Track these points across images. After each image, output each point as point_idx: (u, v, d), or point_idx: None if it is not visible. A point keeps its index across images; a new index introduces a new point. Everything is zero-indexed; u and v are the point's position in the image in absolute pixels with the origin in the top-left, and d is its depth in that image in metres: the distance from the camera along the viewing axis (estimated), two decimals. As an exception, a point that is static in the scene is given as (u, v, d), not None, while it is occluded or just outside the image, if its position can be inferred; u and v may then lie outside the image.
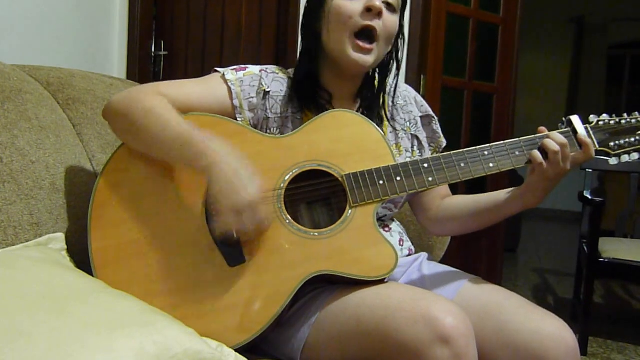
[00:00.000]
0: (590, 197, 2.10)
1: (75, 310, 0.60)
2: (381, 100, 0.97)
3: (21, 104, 0.89)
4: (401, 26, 0.93)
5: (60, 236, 0.84)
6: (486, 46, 2.34)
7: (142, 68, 2.33)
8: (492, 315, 0.82)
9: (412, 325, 0.70)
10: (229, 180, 0.74)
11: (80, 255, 0.85)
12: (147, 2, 2.33)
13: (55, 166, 0.89)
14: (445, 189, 1.02)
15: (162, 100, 0.83)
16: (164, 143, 0.79)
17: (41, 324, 0.55)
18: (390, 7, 0.88)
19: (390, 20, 0.88)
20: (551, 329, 0.79)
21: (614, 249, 2.08)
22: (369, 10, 0.85)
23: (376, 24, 0.86)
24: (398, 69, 0.97)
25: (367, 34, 0.87)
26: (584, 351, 2.01)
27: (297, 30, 2.18)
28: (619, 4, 5.27)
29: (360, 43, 0.86)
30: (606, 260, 2.01)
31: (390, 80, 0.98)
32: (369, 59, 0.88)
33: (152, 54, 2.41)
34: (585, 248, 2.12)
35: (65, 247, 0.84)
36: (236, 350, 0.72)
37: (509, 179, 2.15)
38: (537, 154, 0.83)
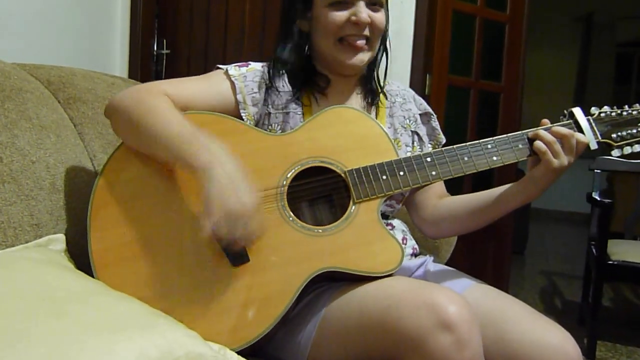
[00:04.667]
0: (598, 199, 2.09)
1: (75, 312, 0.59)
2: (376, 86, 0.98)
3: (21, 103, 0.88)
4: (386, 15, 0.94)
5: (61, 237, 0.83)
6: (493, 45, 2.32)
7: (144, 67, 2.33)
8: (494, 322, 0.80)
9: (415, 312, 0.69)
10: (225, 185, 0.72)
11: (81, 257, 0.84)
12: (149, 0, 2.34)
13: (56, 166, 0.88)
14: (441, 188, 1.01)
15: (166, 99, 0.83)
16: (163, 141, 0.77)
17: (41, 326, 0.54)
18: (375, 7, 0.89)
19: (377, 19, 0.89)
20: (554, 340, 0.77)
21: (623, 251, 2.05)
22: (356, 24, 0.87)
23: (365, 32, 0.88)
24: (386, 52, 0.98)
25: (357, 36, 0.88)
26: (592, 355, 1.99)
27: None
28: (627, 1, 5.24)
29: (352, 42, 0.88)
30: (615, 262, 1.99)
31: (381, 68, 1.00)
32: (364, 58, 0.90)
33: (154, 53, 2.41)
34: (594, 250, 2.09)
35: (66, 248, 0.83)
36: (241, 351, 0.71)
37: (517, 177, 2.13)
38: (540, 144, 0.83)
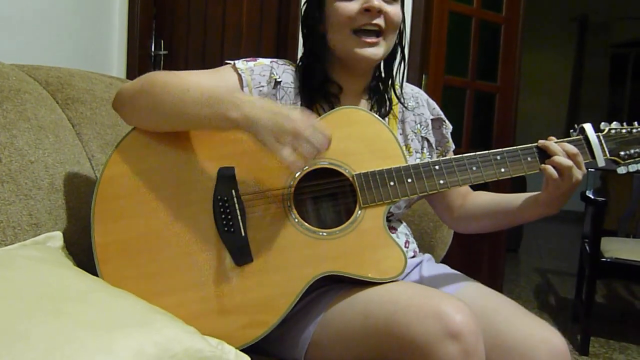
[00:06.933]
0: (592, 197, 2.10)
1: (73, 310, 0.59)
2: (390, 95, 0.97)
3: (20, 104, 0.88)
4: (402, 13, 0.92)
5: (58, 234, 0.83)
6: (488, 45, 2.33)
7: (142, 67, 2.32)
8: (487, 319, 0.82)
9: (422, 320, 0.70)
10: (272, 117, 0.72)
11: (80, 255, 0.85)
12: (147, 1, 2.33)
13: (54, 166, 0.89)
14: (465, 187, 1.01)
15: (174, 73, 0.82)
16: (190, 106, 0.76)
17: (39, 325, 0.54)
18: None
19: (392, 12, 0.88)
20: (544, 334, 0.80)
21: (616, 248, 2.07)
22: (368, 11, 0.85)
23: (378, 21, 0.86)
24: (403, 56, 0.96)
25: (371, 31, 0.87)
26: (585, 351, 2.01)
27: (297, 29, 2.18)
28: (622, 2, 5.26)
29: (366, 39, 0.86)
30: (608, 260, 2.01)
31: (395, 69, 0.98)
32: (378, 52, 0.88)
33: (152, 54, 2.41)
34: (588, 248, 2.11)
35: (64, 245, 0.83)
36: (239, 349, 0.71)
37: (511, 182, 2.14)
38: (551, 170, 0.82)
